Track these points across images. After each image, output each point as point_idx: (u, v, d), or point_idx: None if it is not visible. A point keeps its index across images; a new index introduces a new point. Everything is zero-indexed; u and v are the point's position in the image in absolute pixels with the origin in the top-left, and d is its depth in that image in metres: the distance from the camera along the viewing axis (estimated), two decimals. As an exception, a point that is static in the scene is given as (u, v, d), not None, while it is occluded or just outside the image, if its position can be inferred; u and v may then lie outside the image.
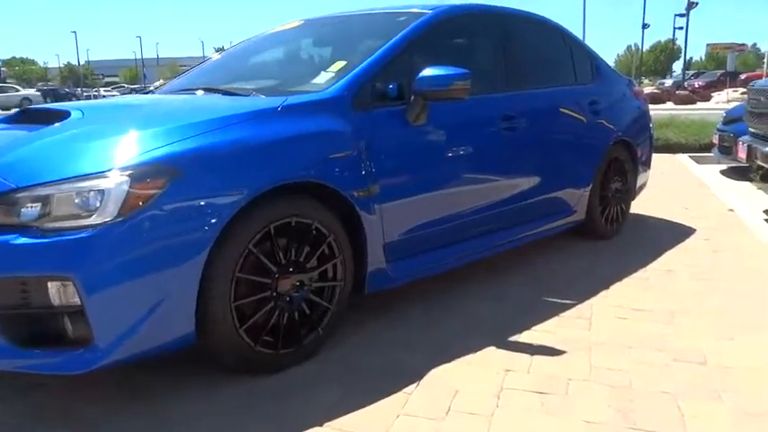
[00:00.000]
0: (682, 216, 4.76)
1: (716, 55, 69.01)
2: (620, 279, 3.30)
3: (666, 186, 6.06)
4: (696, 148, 8.83)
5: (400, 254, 2.65)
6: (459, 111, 2.83)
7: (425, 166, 2.70)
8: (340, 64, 2.68)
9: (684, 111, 14.09)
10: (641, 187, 4.48)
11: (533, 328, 2.67)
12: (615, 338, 2.55)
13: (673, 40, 60.27)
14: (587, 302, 2.97)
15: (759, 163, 4.94)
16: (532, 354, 2.41)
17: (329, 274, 2.39)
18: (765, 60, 20.64)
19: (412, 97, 2.61)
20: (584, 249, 3.86)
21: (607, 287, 3.18)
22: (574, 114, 3.66)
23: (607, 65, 4.23)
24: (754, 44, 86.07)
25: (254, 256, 2.11)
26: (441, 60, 2.69)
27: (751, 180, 6.39)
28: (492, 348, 2.47)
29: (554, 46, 3.81)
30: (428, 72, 2.57)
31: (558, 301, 3.00)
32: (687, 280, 3.29)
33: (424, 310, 2.88)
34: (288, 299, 2.24)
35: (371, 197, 2.44)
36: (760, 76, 28.08)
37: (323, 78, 2.63)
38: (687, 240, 4.05)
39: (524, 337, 2.58)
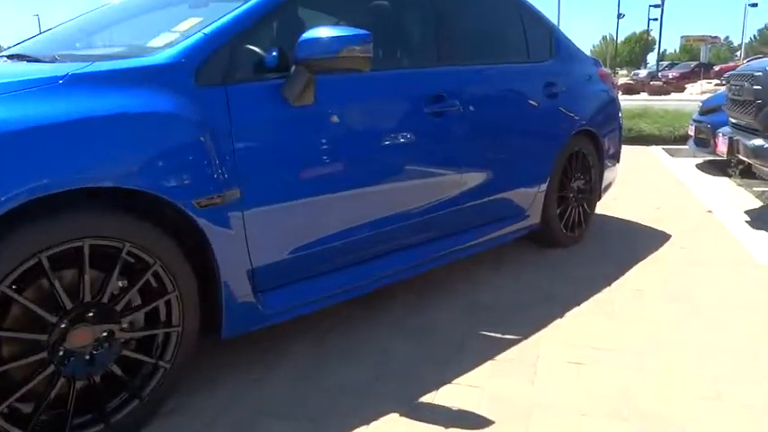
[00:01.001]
0: (654, 218, 4.14)
1: (689, 47, 69.59)
2: (578, 302, 2.65)
3: (638, 182, 5.45)
4: (670, 139, 8.28)
5: (278, 280, 1.96)
6: (364, 88, 2.14)
7: (313, 160, 1.99)
8: (192, 21, 1.95)
9: (658, 102, 13.59)
10: (608, 185, 3.83)
11: (456, 380, 1.99)
12: (564, 398, 1.89)
13: (647, 32, 60.29)
14: (534, 337, 2.31)
15: (741, 158, 4.35)
16: (446, 426, 1.74)
17: (161, 317, 1.68)
18: (742, 49, 20.28)
19: (292, 68, 1.90)
20: (538, 262, 3.20)
21: (561, 314, 2.53)
22: (525, 98, 2.98)
23: (569, 41, 3.56)
24: (727, 37, 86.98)
25: (15, 301, 1.40)
26: (343, 22, 1.99)
27: (729, 176, 5.83)
28: (392, 417, 1.78)
29: (502, 14, 3.12)
30: (312, 34, 1.86)
31: (498, 335, 2.33)
32: (660, 303, 2.65)
33: (310, 353, 2.19)
34: (85, 358, 1.53)
35: (227, 205, 1.74)
36: (734, 68, 27.95)
37: (162, 40, 1.91)
38: (661, 249, 3.42)
39: (442, 396, 1.90)
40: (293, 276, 2.00)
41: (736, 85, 4.53)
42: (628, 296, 2.73)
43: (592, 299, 2.70)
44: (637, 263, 3.18)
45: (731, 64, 31.87)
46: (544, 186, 3.13)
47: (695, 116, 7.04)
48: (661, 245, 3.50)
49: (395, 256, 2.33)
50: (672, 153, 7.70)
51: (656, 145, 8.16)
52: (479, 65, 2.76)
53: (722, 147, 4.59)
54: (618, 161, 3.87)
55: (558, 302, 2.64)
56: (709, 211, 4.38)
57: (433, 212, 2.46)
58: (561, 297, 2.70)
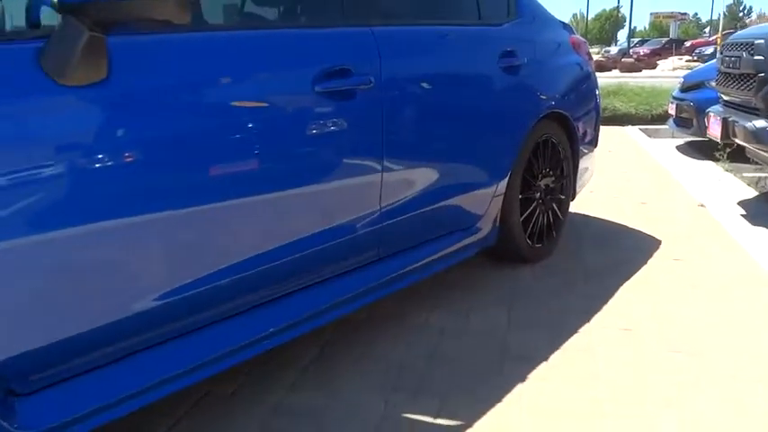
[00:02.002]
0: (638, 216, 3.45)
1: (659, 24, 69.84)
2: (545, 352, 1.93)
3: (616, 170, 4.76)
4: (647, 119, 7.64)
5: (54, 374, 1.19)
6: (207, 58, 1.36)
7: (107, 175, 1.20)
8: None
9: (631, 79, 12.98)
10: (585, 179, 3.11)
11: None
12: None
13: (617, 9, 59.97)
14: (483, 423, 1.59)
15: (739, 142, 3.68)
16: None
17: None
18: (720, 23, 19.81)
19: (58, 20, 1.12)
20: (494, 291, 2.47)
21: (522, 376, 1.80)
22: (474, 72, 2.23)
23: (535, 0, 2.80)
24: (696, 14, 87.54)
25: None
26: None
27: (716, 159, 5.18)
28: None
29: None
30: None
31: (427, 420, 1.60)
32: (657, 351, 1.94)
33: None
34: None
35: None
36: (707, 44, 27.56)
37: None
38: (650, 263, 2.72)
39: None
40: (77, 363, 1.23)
41: (730, 56, 3.84)
42: (612, 341, 2.01)
43: (563, 346, 1.98)
44: (621, 284, 2.47)
45: (702, 39, 31.57)
46: (502, 187, 2.38)
47: (675, 93, 6.38)
48: (650, 256, 2.80)
49: (268, 311, 1.56)
50: (650, 134, 7.07)
51: (633, 125, 7.51)
52: (406, 26, 1.99)
53: (714, 129, 3.91)
54: (595, 146, 3.14)
55: (515, 355, 1.92)
56: (701, 206, 3.71)
57: (334, 239, 1.70)
58: (520, 345, 1.98)
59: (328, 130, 1.62)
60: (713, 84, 5.81)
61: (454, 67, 2.10)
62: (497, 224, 2.44)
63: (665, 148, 6.13)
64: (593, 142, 3.09)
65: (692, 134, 5.89)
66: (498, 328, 2.11)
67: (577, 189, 2.99)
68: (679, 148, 6.21)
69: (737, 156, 4.70)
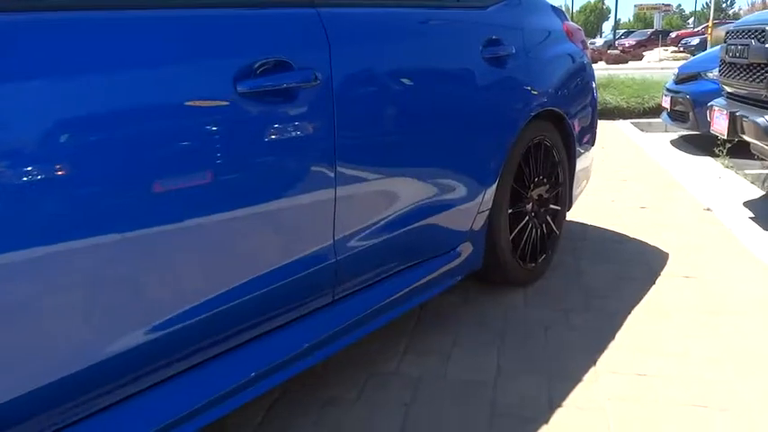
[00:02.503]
0: (639, 223, 3.10)
1: (643, 15, 69.96)
2: (543, 410, 1.56)
3: (610, 170, 4.42)
4: (639, 112, 7.31)
5: None
6: (78, 44, 0.98)
7: None
8: None
9: (618, 70, 12.66)
10: (583, 184, 2.75)
11: None
12: None
13: (602, 1, 59.82)
14: None
15: (748, 139, 3.34)
16: None
17: None
18: (711, 13, 19.52)
19: None
20: (479, 319, 2.09)
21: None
22: (451, 64, 1.84)
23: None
24: (679, 5, 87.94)
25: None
26: None
27: (715, 155, 4.86)
28: None
29: None
30: None
31: None
32: (677, 404, 1.58)
33: None
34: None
35: None
36: (693, 34, 27.37)
37: None
38: (658, 282, 2.36)
39: None
40: None
41: (737, 45, 3.49)
42: (623, 391, 1.65)
43: (567, 403, 1.61)
44: (628, 312, 2.11)
45: (688, 30, 31.42)
46: (488, 201, 2.01)
47: (669, 85, 6.05)
48: (657, 273, 2.44)
49: (172, 390, 1.17)
50: (642, 128, 6.75)
51: (624, 119, 7.18)
52: (365, 7, 1.60)
53: (719, 125, 3.57)
54: (593, 145, 2.78)
55: (509, 418, 1.54)
56: (707, 210, 3.37)
57: (270, 284, 1.31)
58: (516, 404, 1.60)
59: (258, 143, 1.23)
60: (711, 74, 5.52)
61: (427, 59, 1.72)
62: (483, 245, 2.07)
63: (659, 143, 5.81)
64: (591, 141, 2.73)
65: (689, 128, 5.57)
66: (486, 376, 1.73)
67: (575, 196, 2.63)
68: (674, 142, 5.89)
69: (736, 151, 4.38)
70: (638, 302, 2.18)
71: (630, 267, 2.51)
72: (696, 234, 2.93)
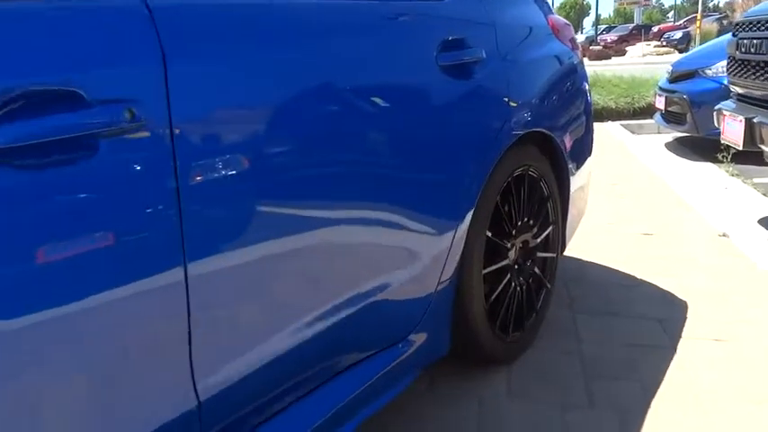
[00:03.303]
0: (647, 257, 2.56)
1: (623, 10, 70.23)
2: None
3: (604, 183, 3.88)
4: (629, 113, 6.82)
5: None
6: None
7: None
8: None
9: (603, 67, 12.20)
10: (580, 211, 2.19)
11: None
12: None
13: (582, -4, 59.74)
14: None
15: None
16: None
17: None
18: (699, 6, 19.05)
19: None
20: (441, 422, 1.55)
21: None
22: (388, 76, 1.27)
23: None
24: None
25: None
26: None
27: (717, 161, 4.36)
28: None
29: None
30: None
31: None
32: None
33: None
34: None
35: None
36: (675, 28, 27.06)
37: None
38: (682, 353, 1.81)
39: None
40: None
41: (751, 39, 2.97)
42: None
43: None
44: (646, 405, 1.56)
45: (670, 24, 31.16)
46: (451, 265, 1.45)
47: (663, 84, 5.54)
48: (679, 334, 1.90)
49: None
50: (633, 130, 6.26)
51: (613, 120, 6.68)
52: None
53: (733, 133, 3.04)
54: (590, 156, 2.21)
55: None
56: (724, 235, 2.85)
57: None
58: None
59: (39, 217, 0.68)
60: (709, 71, 5.03)
61: (344, 72, 1.14)
62: (448, 322, 1.51)
63: (653, 147, 5.31)
64: (587, 153, 2.17)
65: (686, 131, 5.06)
66: None
67: (569, 233, 2.08)
68: (669, 146, 5.40)
69: (739, 155, 3.87)
70: (657, 387, 1.63)
71: (643, 327, 1.97)
72: (717, 272, 2.40)
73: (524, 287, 1.77)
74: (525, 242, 1.76)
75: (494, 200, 1.57)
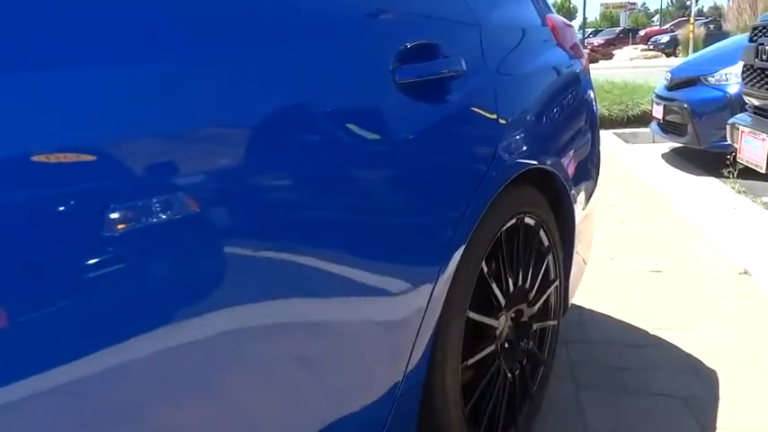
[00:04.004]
0: (660, 304, 2.15)
1: (609, 14, 70.62)
2: None
3: (601, 204, 3.48)
4: (622, 121, 6.45)
5: None
6: None
7: None
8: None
9: (593, 71, 11.87)
10: (586, 258, 1.77)
11: None
12: None
13: (569, 0, 59.76)
14: None
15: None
16: None
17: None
18: (692, 9, 18.81)
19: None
20: None
21: None
22: (334, 100, 0.84)
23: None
24: (644, 3, 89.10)
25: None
26: None
27: (722, 176, 4.01)
28: None
29: None
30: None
31: None
32: None
33: None
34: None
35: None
36: (662, 32, 26.90)
37: None
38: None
39: None
40: None
41: (775, 45, 2.58)
42: None
43: None
44: None
45: (657, 28, 31.04)
46: (418, 357, 1.03)
47: (660, 91, 5.17)
48: (713, 426, 1.49)
49: None
50: (627, 139, 5.92)
51: (605, 129, 6.30)
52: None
53: (753, 153, 2.65)
54: (597, 174, 1.79)
55: None
56: (745, 273, 2.45)
57: None
58: None
59: None
60: (712, 79, 4.65)
61: (257, 97, 0.72)
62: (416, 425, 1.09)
63: (649, 158, 4.96)
64: (595, 174, 1.75)
65: (686, 142, 4.69)
66: None
67: (573, 288, 1.66)
68: (666, 157, 5.04)
69: (746, 170, 3.51)
70: None
71: (664, 409, 1.55)
72: (744, 323, 2.00)
73: (517, 371, 1.34)
74: (519, 313, 1.34)
75: (477, 267, 1.14)
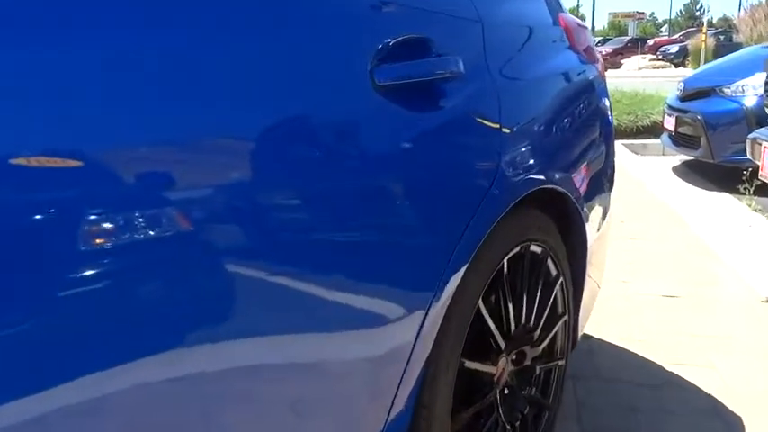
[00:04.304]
0: (674, 334, 1.97)
1: (617, 23, 70.54)
2: None
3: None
4: (631, 132, 6.27)
5: None
6: None
7: None
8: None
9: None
10: (595, 294, 1.59)
11: None
12: None
13: (577, 8, 59.67)
14: None
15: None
16: None
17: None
18: (706, 18, 18.59)
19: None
20: None
21: None
22: (293, 106, 0.67)
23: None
24: (652, 13, 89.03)
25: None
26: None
27: (736, 192, 3.83)
28: None
29: None
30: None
31: None
32: None
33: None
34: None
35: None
36: (671, 42, 26.67)
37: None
38: None
39: None
40: None
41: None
42: None
43: None
44: None
45: (666, 38, 30.82)
46: (399, 402, 0.86)
47: (673, 102, 4.98)
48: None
49: None
50: (636, 150, 5.73)
51: (615, 139, 6.10)
52: None
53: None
54: (611, 188, 1.61)
55: None
56: (767, 301, 2.27)
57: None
58: None
59: None
60: (728, 90, 4.45)
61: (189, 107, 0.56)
62: None
63: (659, 171, 4.78)
64: (608, 188, 1.57)
65: (699, 156, 4.50)
66: None
67: (583, 320, 1.47)
68: (677, 170, 4.86)
69: (764, 186, 3.33)
70: None
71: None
72: (769, 359, 1.82)
73: (518, 421, 1.16)
74: (521, 355, 1.16)
75: (472, 306, 0.96)
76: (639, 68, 21.05)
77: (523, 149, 1.04)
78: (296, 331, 0.69)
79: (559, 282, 1.24)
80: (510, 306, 1.07)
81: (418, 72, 0.81)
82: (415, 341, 0.86)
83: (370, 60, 0.74)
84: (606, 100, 1.59)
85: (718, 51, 14.93)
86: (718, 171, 4.31)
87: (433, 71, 0.85)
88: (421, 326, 0.86)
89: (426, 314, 0.86)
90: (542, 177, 1.08)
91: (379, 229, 0.79)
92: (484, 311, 1.00)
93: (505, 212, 0.98)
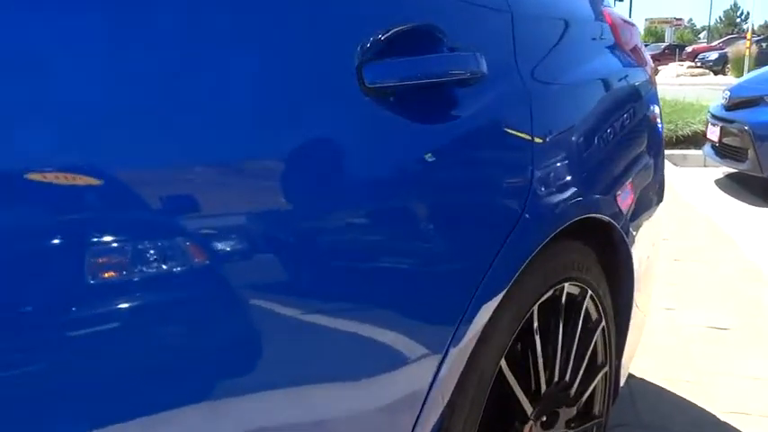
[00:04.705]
0: (723, 371, 1.73)
1: (654, 29, 69.30)
2: None
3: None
4: (671, 141, 5.95)
5: None
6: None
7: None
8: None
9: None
10: (640, 332, 1.36)
11: None
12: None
13: (612, 14, 58.68)
14: None
15: None
16: None
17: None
18: (751, 25, 17.96)
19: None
20: None
21: None
22: (266, 116, 0.50)
23: None
24: (690, 19, 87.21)
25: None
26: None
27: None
28: None
29: None
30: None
31: None
32: None
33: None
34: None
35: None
36: (709, 49, 25.91)
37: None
38: None
39: None
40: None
41: None
42: None
43: None
44: None
45: (704, 45, 29.96)
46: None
47: (717, 111, 4.68)
48: None
49: None
50: (676, 161, 5.42)
51: (653, 150, 5.83)
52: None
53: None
54: (661, 200, 1.38)
55: None
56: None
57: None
58: None
59: None
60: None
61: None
62: None
63: (702, 184, 4.49)
64: (657, 202, 1.35)
65: (747, 169, 4.19)
66: None
67: (627, 365, 1.25)
68: (720, 184, 4.56)
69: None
70: None
71: None
72: None
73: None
74: (552, 416, 0.95)
75: (494, 365, 0.76)
76: (677, 75, 20.44)
77: (562, 176, 0.84)
78: (295, 369, 0.53)
79: (600, 327, 1.03)
80: (539, 362, 0.87)
81: (422, 72, 0.62)
82: (420, 411, 0.67)
83: (357, 56, 0.55)
84: (656, 107, 1.38)
85: (760, 59, 14.36)
86: (763, 186, 4.02)
87: (445, 70, 0.66)
88: (429, 390, 0.67)
89: (436, 374, 0.67)
90: (584, 204, 0.88)
91: (379, 271, 0.60)
92: (507, 371, 0.80)
93: (541, 247, 0.78)
